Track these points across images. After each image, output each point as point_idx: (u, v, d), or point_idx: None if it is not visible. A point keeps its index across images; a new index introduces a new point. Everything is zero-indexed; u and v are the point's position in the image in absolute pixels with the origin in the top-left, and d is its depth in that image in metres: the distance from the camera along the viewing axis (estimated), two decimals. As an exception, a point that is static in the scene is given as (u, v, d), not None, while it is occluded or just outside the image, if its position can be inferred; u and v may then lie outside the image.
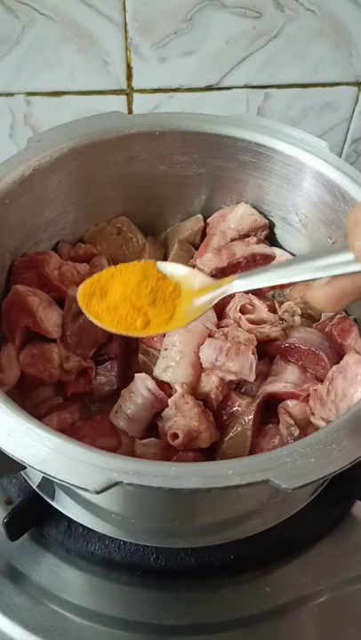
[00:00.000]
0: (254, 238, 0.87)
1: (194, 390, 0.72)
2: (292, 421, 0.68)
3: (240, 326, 0.77)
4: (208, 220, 0.91)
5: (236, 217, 0.87)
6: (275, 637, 0.69)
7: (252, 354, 0.72)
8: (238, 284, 0.58)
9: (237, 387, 0.76)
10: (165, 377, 0.72)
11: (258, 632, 0.69)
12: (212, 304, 0.60)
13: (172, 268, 0.63)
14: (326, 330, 0.77)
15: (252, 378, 0.72)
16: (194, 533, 0.72)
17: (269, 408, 0.72)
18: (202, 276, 0.63)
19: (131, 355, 0.79)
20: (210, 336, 0.74)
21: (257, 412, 0.70)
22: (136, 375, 0.73)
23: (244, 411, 0.71)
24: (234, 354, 0.71)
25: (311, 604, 0.71)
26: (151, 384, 0.71)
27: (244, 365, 0.71)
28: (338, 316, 0.78)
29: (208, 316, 0.78)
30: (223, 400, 0.73)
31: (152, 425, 0.72)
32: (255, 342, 0.74)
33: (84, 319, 0.76)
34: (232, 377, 0.72)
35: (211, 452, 0.70)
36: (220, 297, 0.59)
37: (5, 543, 0.73)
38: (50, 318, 0.75)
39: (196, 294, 0.61)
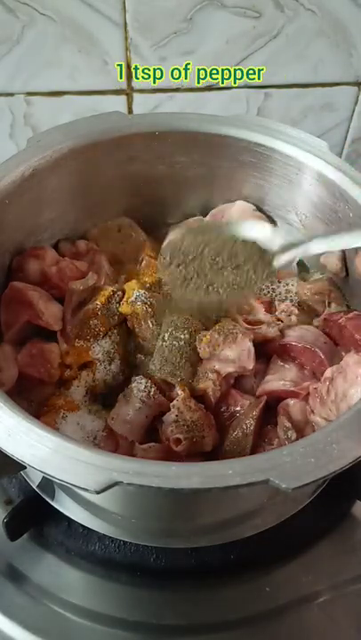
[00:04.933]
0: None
1: (191, 386, 0.72)
2: (289, 424, 0.68)
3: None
4: (206, 218, 0.91)
5: (237, 213, 0.87)
6: (275, 637, 0.69)
7: (250, 341, 0.72)
8: (318, 245, 0.63)
9: (236, 384, 0.75)
10: (163, 374, 0.72)
11: (258, 632, 0.69)
12: (295, 262, 0.65)
13: (250, 229, 0.67)
14: (340, 321, 0.76)
15: (250, 365, 0.72)
16: (194, 533, 0.72)
17: (269, 408, 0.72)
18: (281, 235, 0.66)
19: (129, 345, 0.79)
20: (206, 329, 0.74)
21: (259, 417, 0.70)
22: (133, 378, 0.73)
23: (246, 413, 0.71)
24: (232, 342, 0.71)
25: (311, 603, 0.71)
26: (149, 387, 0.71)
27: (242, 352, 0.71)
28: (355, 312, 0.78)
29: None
30: (223, 398, 0.73)
31: (152, 428, 0.72)
32: (252, 335, 0.74)
33: (85, 313, 0.76)
34: (231, 368, 0.72)
35: (211, 455, 0.70)
36: (301, 255, 0.65)
37: (5, 543, 0.73)
38: (50, 311, 0.75)
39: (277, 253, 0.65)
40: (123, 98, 1.05)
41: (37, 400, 0.74)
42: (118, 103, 1.05)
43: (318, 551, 0.75)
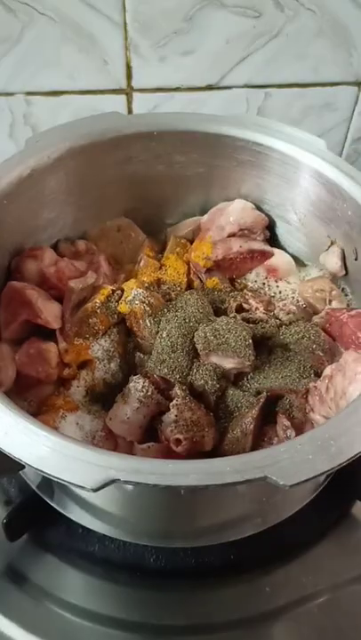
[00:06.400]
0: (255, 235, 0.87)
1: (190, 384, 0.72)
2: (288, 423, 0.68)
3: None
4: (204, 217, 0.90)
5: (237, 210, 0.87)
6: (275, 637, 0.69)
7: (248, 335, 0.72)
8: None
9: (236, 382, 0.75)
10: (162, 372, 0.72)
11: (258, 632, 0.69)
12: None
13: None
14: (341, 317, 0.76)
15: (249, 357, 0.72)
16: (193, 533, 0.72)
17: (269, 406, 0.72)
18: None
19: (129, 344, 0.79)
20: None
21: (258, 416, 0.70)
22: (130, 378, 0.73)
23: (245, 412, 0.70)
24: (230, 335, 0.71)
25: (311, 604, 0.70)
26: (147, 386, 0.71)
27: (240, 345, 0.71)
28: (357, 309, 0.78)
29: (208, 312, 0.78)
30: (222, 397, 0.73)
31: (151, 428, 0.72)
32: (251, 332, 0.73)
33: (84, 311, 0.76)
34: (230, 363, 0.71)
35: (210, 455, 0.70)
36: None
37: (5, 544, 0.73)
38: (49, 309, 0.75)
39: None
40: (122, 98, 1.05)
41: (36, 400, 0.73)
42: (118, 103, 1.05)
43: (318, 551, 0.74)
